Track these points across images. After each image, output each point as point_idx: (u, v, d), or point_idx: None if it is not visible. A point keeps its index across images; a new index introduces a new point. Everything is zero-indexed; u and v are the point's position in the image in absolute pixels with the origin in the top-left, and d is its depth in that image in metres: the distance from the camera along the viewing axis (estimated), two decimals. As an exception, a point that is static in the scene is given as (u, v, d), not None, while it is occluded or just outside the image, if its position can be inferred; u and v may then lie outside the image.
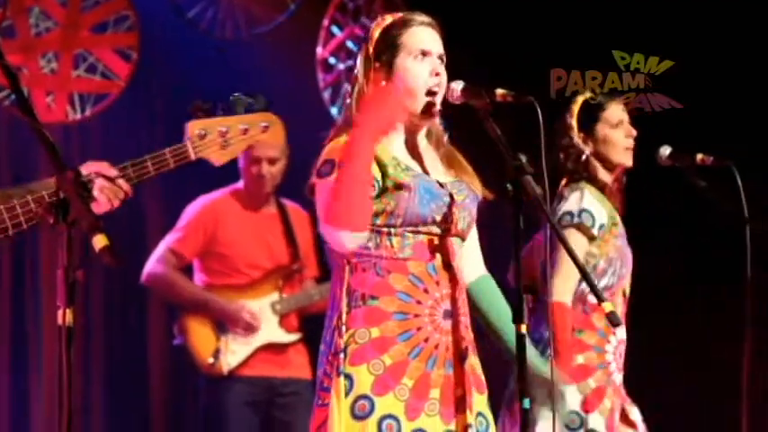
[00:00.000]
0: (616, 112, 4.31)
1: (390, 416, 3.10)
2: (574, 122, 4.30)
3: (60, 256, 2.64)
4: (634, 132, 4.31)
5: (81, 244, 2.68)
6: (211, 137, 3.16)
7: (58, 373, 2.59)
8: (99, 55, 6.01)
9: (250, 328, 5.24)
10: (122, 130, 5.94)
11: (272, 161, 5.33)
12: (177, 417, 6.11)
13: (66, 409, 2.58)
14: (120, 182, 3.11)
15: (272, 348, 5.30)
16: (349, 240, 3.10)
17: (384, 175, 3.15)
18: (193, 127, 3.17)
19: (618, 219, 4.29)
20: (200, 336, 5.26)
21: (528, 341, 3.15)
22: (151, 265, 5.30)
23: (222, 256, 5.32)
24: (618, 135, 4.30)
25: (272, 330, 5.30)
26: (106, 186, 3.09)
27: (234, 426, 5.25)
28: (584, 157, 4.29)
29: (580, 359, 4.18)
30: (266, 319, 5.29)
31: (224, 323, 5.25)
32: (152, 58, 6.08)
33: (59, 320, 2.61)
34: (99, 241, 2.58)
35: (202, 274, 5.35)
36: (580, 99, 4.31)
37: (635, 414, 4.31)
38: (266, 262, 5.36)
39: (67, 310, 2.60)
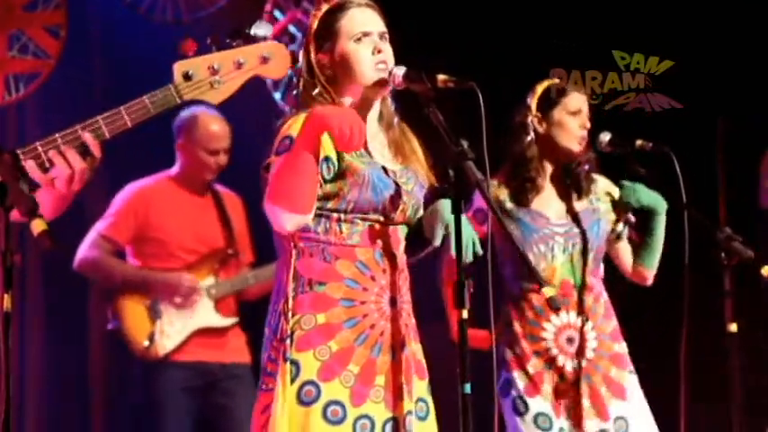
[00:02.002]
0: (576, 100, 4.36)
1: (336, 402, 3.10)
2: (533, 103, 4.35)
3: (-2, 240, 2.61)
4: (588, 124, 4.35)
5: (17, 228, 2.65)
6: (199, 76, 2.95)
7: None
8: (30, 34, 5.94)
9: (191, 294, 5.18)
10: (59, 110, 5.87)
11: (226, 152, 5.32)
12: (118, 403, 6.07)
13: (3, 395, 2.55)
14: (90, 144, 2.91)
15: (209, 333, 5.26)
16: (288, 220, 3.07)
17: (340, 158, 3.15)
18: (179, 68, 2.97)
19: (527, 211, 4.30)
20: (134, 319, 5.20)
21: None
22: (83, 250, 5.24)
23: (156, 241, 5.27)
24: (573, 122, 4.35)
25: (207, 314, 5.27)
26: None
27: (171, 412, 5.20)
28: (529, 138, 4.33)
29: (517, 350, 4.26)
30: (202, 304, 5.26)
31: (162, 298, 5.18)
32: (88, 35, 6.01)
33: (-3, 306, 2.58)
34: (37, 226, 2.56)
35: (136, 260, 5.29)
36: (546, 82, 4.38)
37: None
38: (201, 246, 5.32)
39: (5, 296, 2.58)
